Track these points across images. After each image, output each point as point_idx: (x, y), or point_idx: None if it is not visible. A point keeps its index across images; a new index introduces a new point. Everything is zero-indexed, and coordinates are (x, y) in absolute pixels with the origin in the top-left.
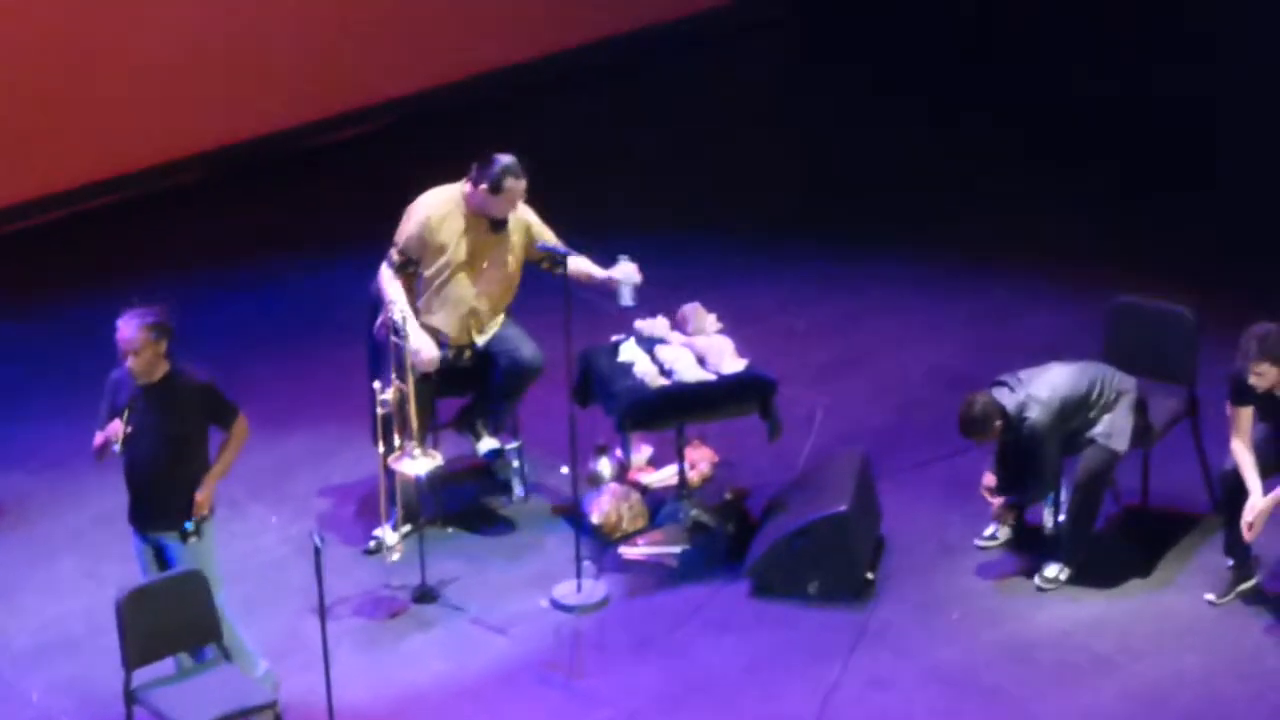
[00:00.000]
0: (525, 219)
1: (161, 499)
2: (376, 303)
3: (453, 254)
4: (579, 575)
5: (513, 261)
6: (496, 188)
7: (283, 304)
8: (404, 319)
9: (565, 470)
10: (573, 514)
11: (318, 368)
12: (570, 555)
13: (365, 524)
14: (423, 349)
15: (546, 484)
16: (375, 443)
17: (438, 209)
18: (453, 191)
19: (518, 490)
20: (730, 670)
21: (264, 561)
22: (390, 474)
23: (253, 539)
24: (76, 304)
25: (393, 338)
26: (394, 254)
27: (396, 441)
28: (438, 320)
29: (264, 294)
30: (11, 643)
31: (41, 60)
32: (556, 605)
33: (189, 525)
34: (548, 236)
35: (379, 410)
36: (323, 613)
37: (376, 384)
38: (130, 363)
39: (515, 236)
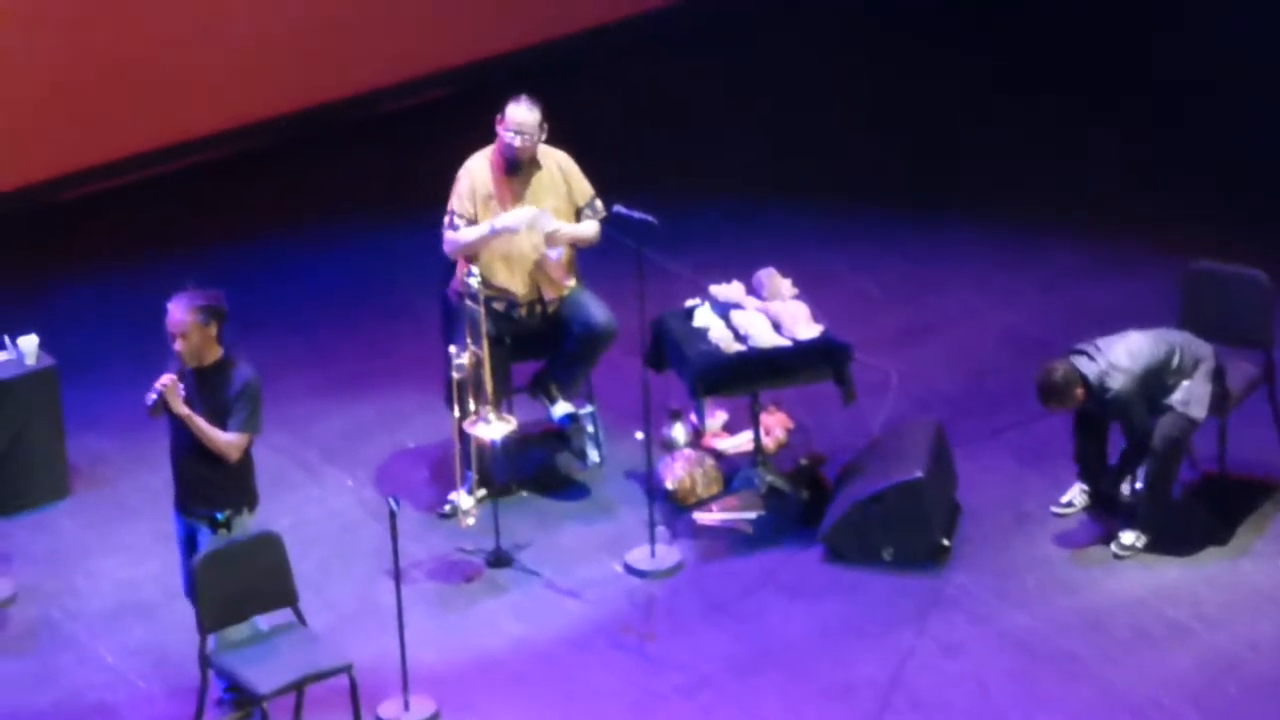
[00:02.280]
0: (564, 167)
1: (199, 485)
2: (449, 267)
3: (498, 207)
4: (652, 540)
5: (560, 208)
6: (501, 116)
7: (355, 269)
8: (479, 281)
9: (639, 436)
10: (647, 479)
11: (392, 332)
12: (644, 520)
13: (440, 488)
14: (517, 217)
15: (621, 449)
16: (450, 407)
17: (477, 164)
18: (488, 149)
19: (592, 455)
20: (803, 636)
21: (339, 525)
22: (465, 438)
23: (327, 502)
24: (149, 268)
25: (467, 302)
26: (454, 219)
27: (471, 406)
28: (503, 279)
29: (336, 259)
30: (87, 605)
31: (113, 28)
32: (630, 570)
33: (221, 516)
34: (585, 189)
35: (454, 374)
36: (397, 576)
37: (452, 348)
38: (178, 345)
39: (557, 183)
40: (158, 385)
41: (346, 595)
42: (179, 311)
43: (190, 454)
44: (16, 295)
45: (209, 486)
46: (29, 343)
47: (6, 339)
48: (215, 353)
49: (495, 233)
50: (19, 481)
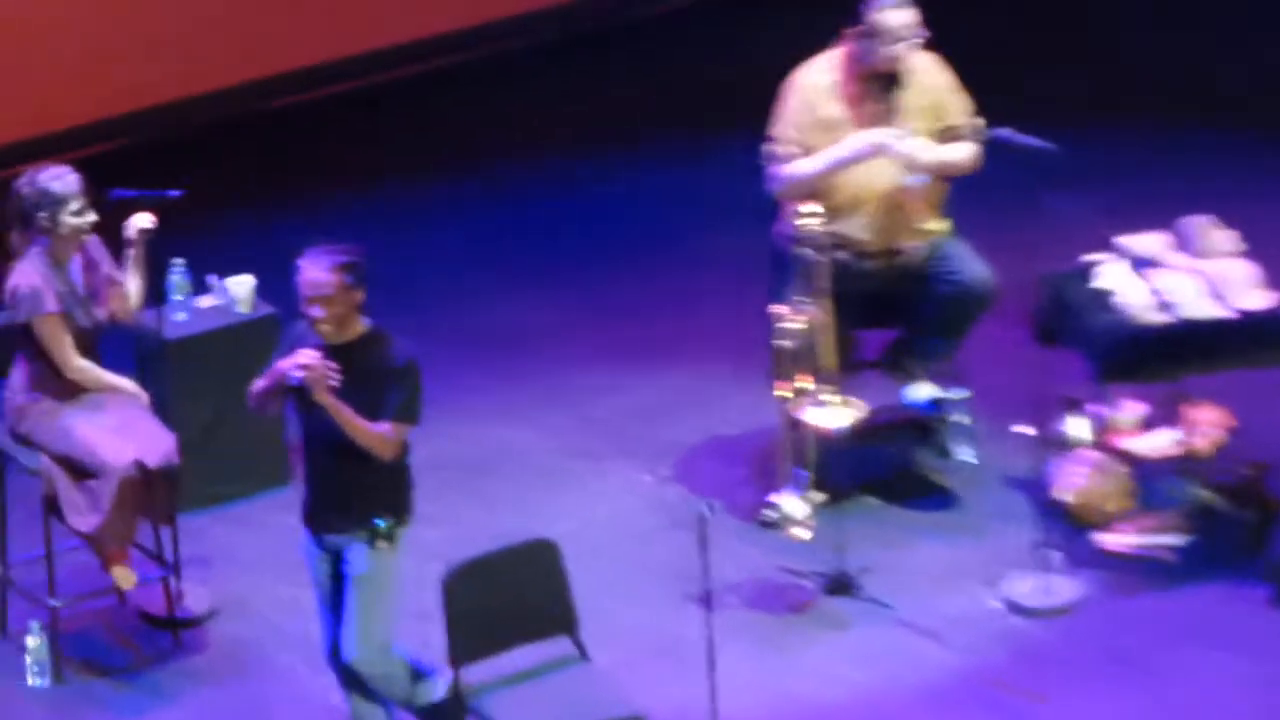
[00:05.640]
0: (931, 81)
1: (343, 493)
2: (775, 204)
3: (844, 132)
4: (1041, 569)
5: (929, 130)
6: (870, 30)
7: (647, 203)
8: (820, 223)
9: (1024, 430)
10: (1034, 488)
11: (699, 285)
12: (1029, 542)
13: (760, 489)
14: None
15: (998, 447)
16: (775, 384)
17: (815, 77)
18: (830, 56)
19: (961, 453)
20: (1240, 701)
21: (631, 534)
22: (796, 425)
23: (614, 501)
24: (390, 196)
25: (802, 249)
26: (777, 150)
27: (805, 384)
28: (846, 225)
29: (622, 191)
30: (304, 626)
31: None
32: (1010, 607)
33: (381, 523)
34: (957, 110)
35: (782, 342)
36: (707, 602)
37: (780, 308)
38: (318, 313)
39: (922, 99)
40: (299, 364)
41: (639, 623)
42: (320, 271)
43: (336, 453)
44: (233, 226)
45: (362, 492)
46: (242, 285)
47: (214, 279)
48: (359, 325)
49: (842, 163)
50: (223, 466)
